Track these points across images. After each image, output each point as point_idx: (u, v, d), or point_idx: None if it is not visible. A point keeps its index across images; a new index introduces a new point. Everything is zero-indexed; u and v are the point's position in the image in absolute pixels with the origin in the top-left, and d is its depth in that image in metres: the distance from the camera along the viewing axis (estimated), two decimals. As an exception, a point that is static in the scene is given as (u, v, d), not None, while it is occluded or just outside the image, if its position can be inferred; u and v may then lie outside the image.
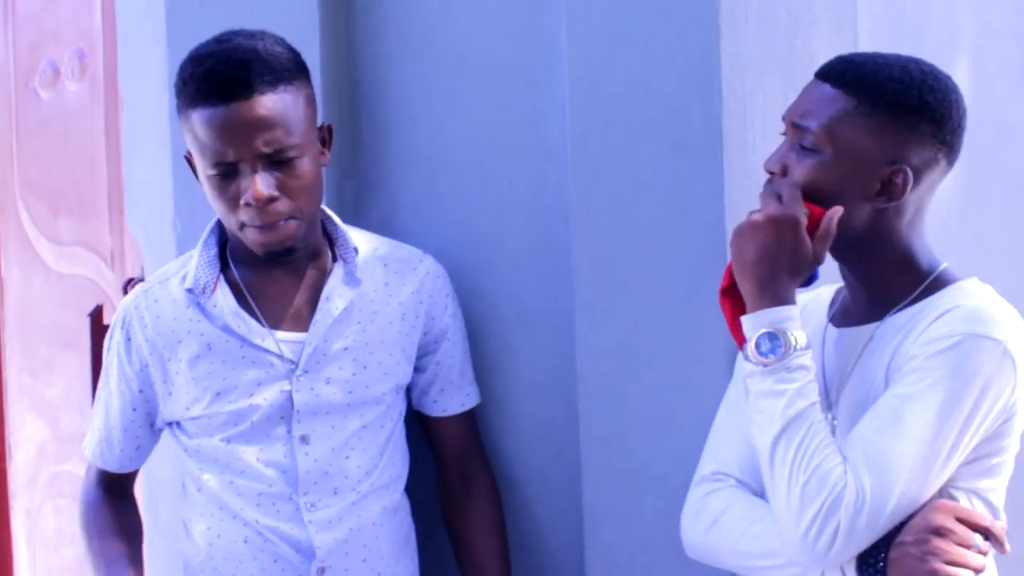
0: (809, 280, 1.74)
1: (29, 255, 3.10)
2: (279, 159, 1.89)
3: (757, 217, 1.71)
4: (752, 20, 2.03)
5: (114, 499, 2.10)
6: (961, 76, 2.44)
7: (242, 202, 1.89)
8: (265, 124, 1.88)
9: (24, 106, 3.06)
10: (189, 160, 1.98)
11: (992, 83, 2.54)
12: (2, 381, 3.27)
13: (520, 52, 2.12)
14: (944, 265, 1.76)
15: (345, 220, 2.11)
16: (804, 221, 1.68)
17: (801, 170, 1.71)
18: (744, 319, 1.70)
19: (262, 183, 1.88)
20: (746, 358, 1.70)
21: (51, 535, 3.11)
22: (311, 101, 1.96)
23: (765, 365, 1.67)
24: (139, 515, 2.13)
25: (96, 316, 2.69)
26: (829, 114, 1.69)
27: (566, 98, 2.07)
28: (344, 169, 2.22)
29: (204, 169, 1.92)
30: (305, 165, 1.92)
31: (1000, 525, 1.68)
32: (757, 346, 1.68)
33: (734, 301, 1.74)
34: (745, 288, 1.71)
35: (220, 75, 1.87)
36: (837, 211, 1.69)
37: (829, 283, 1.84)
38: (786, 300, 1.69)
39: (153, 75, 2.32)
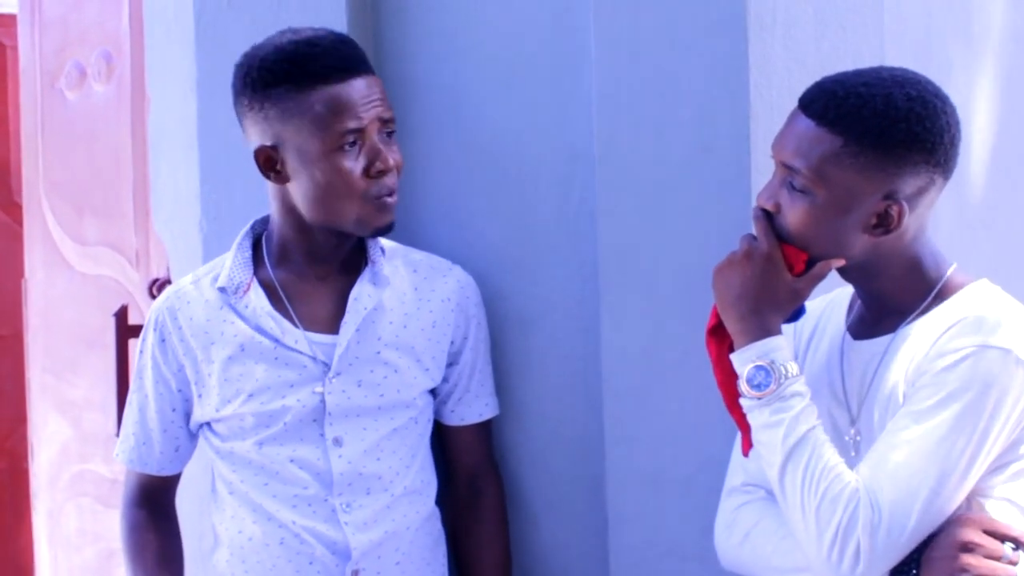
0: (796, 315, 1.75)
1: (53, 255, 3.11)
2: (389, 130, 1.98)
3: (733, 254, 1.73)
4: (779, 22, 2.03)
5: (156, 520, 2.09)
6: (987, 80, 2.44)
7: (375, 170, 1.94)
8: (383, 95, 1.98)
9: (50, 107, 3.07)
10: (264, 153, 1.96)
11: (1018, 87, 2.54)
12: (25, 381, 3.28)
13: (547, 53, 2.11)
14: (953, 267, 1.75)
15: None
16: (778, 255, 1.70)
17: (794, 213, 1.70)
18: (733, 356, 1.72)
19: (392, 151, 1.96)
20: (741, 394, 1.71)
21: (73, 535, 3.12)
22: None
23: (760, 398, 1.68)
24: (180, 536, 2.12)
25: (121, 316, 2.70)
26: (817, 155, 1.67)
27: (593, 100, 2.07)
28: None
29: (326, 145, 1.93)
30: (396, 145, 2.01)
31: None
32: (749, 380, 1.69)
33: (720, 341, 1.76)
34: (730, 325, 1.73)
35: (341, 51, 1.96)
36: (837, 262, 1.71)
37: (842, 285, 1.83)
38: (771, 331, 1.71)
39: (181, 76, 2.33)
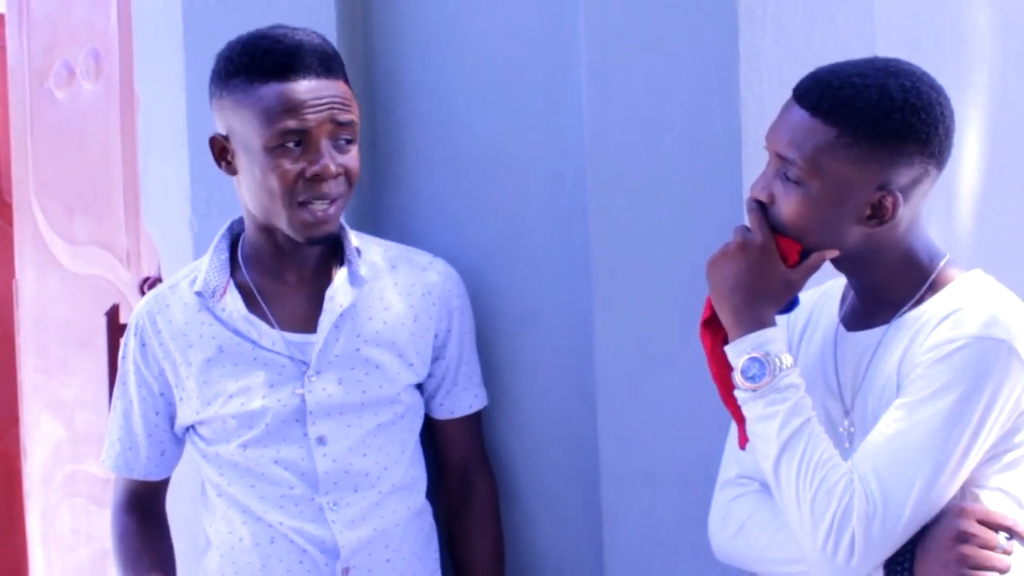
0: (789, 306, 1.75)
1: (44, 255, 3.11)
2: (346, 136, 1.94)
3: (727, 246, 1.72)
4: (770, 15, 2.02)
5: (146, 525, 2.09)
6: (979, 71, 2.44)
7: (310, 173, 1.91)
8: (345, 101, 1.94)
9: (39, 106, 3.06)
10: (218, 142, 1.98)
11: (1010, 78, 2.54)
12: (17, 381, 3.27)
13: (537, 50, 2.11)
14: (947, 258, 1.75)
15: (362, 219, 2.11)
16: (773, 246, 1.70)
17: (788, 205, 1.69)
18: (728, 348, 1.72)
19: (333, 158, 1.92)
20: (735, 386, 1.71)
21: (67, 535, 3.11)
22: None
23: (754, 390, 1.68)
24: (170, 540, 2.12)
25: (112, 316, 2.70)
26: (811, 146, 1.66)
27: (583, 96, 2.06)
28: (361, 168, 2.21)
29: (267, 141, 1.91)
30: (356, 152, 1.97)
31: None
32: (744, 372, 1.69)
33: (715, 333, 1.76)
34: (724, 317, 1.73)
35: (302, 51, 1.93)
36: (831, 253, 1.70)
37: (835, 277, 1.83)
38: (766, 323, 1.70)
39: (170, 74, 2.33)
